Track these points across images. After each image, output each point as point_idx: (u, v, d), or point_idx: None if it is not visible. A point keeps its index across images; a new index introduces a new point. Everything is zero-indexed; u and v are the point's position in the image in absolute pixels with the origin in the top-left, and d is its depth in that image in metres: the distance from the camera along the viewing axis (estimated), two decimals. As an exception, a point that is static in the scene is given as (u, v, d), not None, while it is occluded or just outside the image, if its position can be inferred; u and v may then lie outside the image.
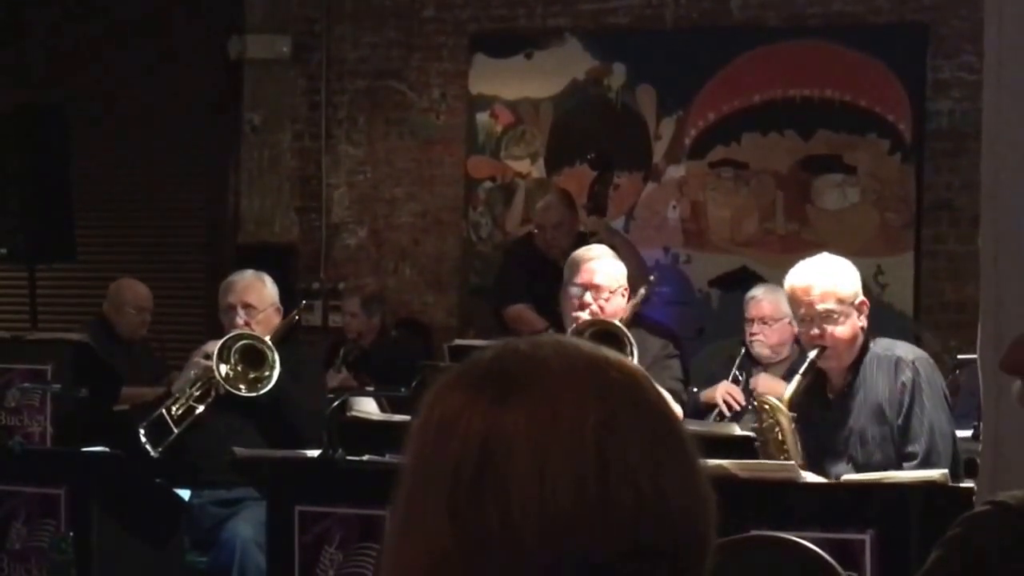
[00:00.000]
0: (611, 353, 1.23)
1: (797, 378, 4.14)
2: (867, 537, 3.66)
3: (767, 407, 4.11)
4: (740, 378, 5.59)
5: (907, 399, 4.04)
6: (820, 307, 4.08)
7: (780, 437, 4.03)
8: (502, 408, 1.16)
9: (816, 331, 4.09)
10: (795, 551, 3.17)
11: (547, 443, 1.15)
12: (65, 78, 8.44)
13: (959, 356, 4.56)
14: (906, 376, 4.07)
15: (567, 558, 1.14)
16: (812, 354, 4.12)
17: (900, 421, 4.05)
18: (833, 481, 3.92)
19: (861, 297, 4.18)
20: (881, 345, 4.20)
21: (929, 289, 7.15)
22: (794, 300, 4.19)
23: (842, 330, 4.08)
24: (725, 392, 5.45)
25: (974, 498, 3.53)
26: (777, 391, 5.41)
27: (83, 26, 8.63)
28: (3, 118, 7.70)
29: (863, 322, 4.16)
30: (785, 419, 4.04)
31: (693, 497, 1.19)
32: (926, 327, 6.96)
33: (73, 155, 7.77)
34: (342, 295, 7.58)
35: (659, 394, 1.23)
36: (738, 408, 5.40)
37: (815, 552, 3.14)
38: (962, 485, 3.66)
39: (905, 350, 4.20)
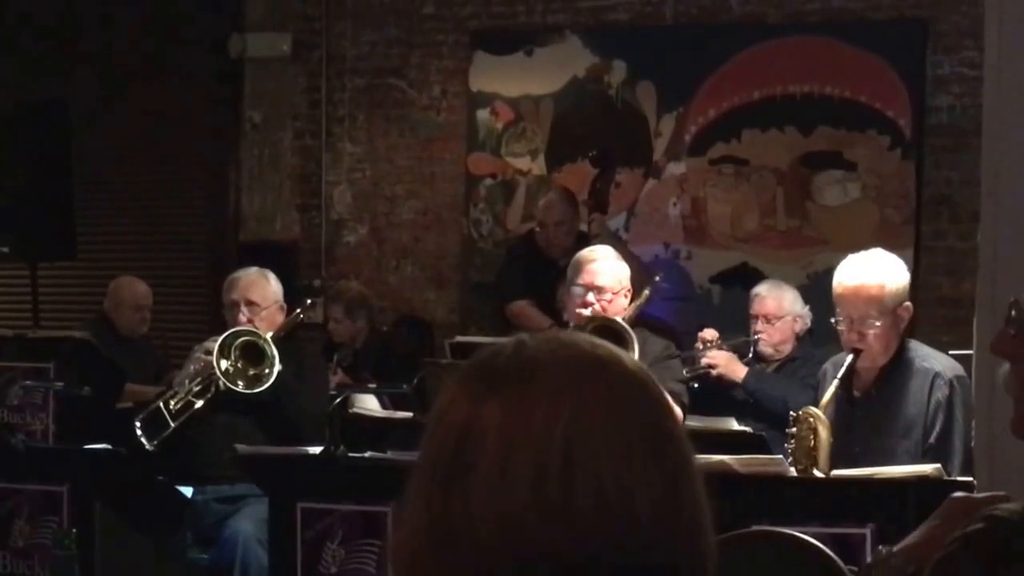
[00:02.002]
0: (616, 354, 1.21)
1: (835, 384, 4.01)
2: (867, 531, 3.66)
3: (810, 418, 4.00)
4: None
5: (942, 417, 3.94)
6: (862, 312, 4.00)
7: (812, 445, 3.95)
8: (482, 401, 1.16)
9: (854, 335, 4.01)
10: (796, 546, 3.18)
11: (515, 438, 1.13)
12: (66, 76, 8.45)
13: (952, 352, 4.53)
14: (942, 394, 3.96)
15: (520, 560, 1.11)
16: (849, 359, 4.02)
17: (933, 440, 3.95)
18: (831, 476, 3.91)
19: (906, 302, 4.07)
20: (917, 352, 4.10)
21: (927, 284, 7.16)
22: (839, 299, 4.08)
23: (881, 335, 3.99)
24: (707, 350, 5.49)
25: (973, 492, 3.54)
26: (735, 372, 5.43)
27: (84, 24, 8.64)
28: (4, 116, 7.71)
29: (902, 326, 4.06)
30: (825, 430, 3.93)
31: (672, 513, 1.15)
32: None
33: (74, 153, 7.78)
34: (317, 291, 7.50)
35: (659, 401, 1.21)
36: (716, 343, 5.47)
37: (816, 546, 3.15)
38: (960, 479, 3.66)
39: (944, 364, 4.07)
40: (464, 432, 1.16)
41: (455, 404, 1.19)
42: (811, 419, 3.93)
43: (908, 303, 4.11)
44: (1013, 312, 2.17)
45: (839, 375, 4.05)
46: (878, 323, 3.99)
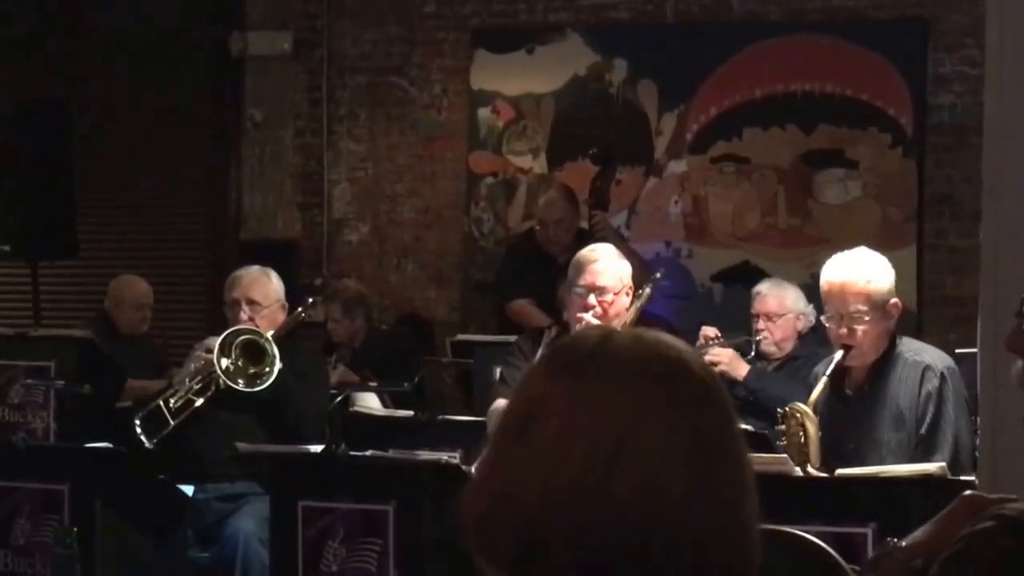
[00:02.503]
0: (687, 359, 1.27)
1: (823, 380, 4.05)
2: (869, 530, 3.66)
3: (797, 414, 4.03)
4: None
5: (932, 409, 3.95)
6: (851, 307, 4.01)
7: (803, 441, 3.97)
8: (557, 380, 1.25)
9: (844, 331, 4.02)
10: (799, 545, 3.17)
11: (572, 422, 1.21)
12: (67, 75, 8.45)
13: (957, 351, 4.53)
14: (932, 385, 3.97)
15: (558, 533, 1.19)
16: (838, 356, 4.04)
17: (924, 431, 3.97)
18: (833, 475, 3.91)
19: (894, 299, 4.09)
20: (908, 347, 4.11)
21: (930, 283, 7.15)
22: (826, 296, 4.11)
23: (870, 331, 4.01)
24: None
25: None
26: (737, 370, 5.42)
27: (85, 23, 8.64)
28: (5, 115, 7.71)
29: (892, 323, 4.07)
30: (812, 426, 3.96)
31: (718, 518, 1.21)
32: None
33: (75, 152, 7.78)
34: (319, 290, 7.48)
35: (721, 409, 1.27)
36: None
37: (818, 545, 3.14)
38: (962, 478, 3.66)
39: (934, 357, 4.09)
40: (533, 405, 1.25)
41: (535, 377, 1.28)
42: (799, 415, 3.96)
43: (896, 299, 4.13)
44: None
45: (827, 371, 4.07)
46: (867, 318, 4.01)
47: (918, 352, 4.09)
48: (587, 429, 1.21)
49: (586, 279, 4.57)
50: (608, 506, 1.19)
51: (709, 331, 5.72)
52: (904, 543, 1.93)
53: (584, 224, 6.78)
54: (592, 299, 4.53)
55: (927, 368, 4.02)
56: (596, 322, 4.46)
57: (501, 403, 4.56)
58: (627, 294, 4.63)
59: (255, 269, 5.27)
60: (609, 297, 4.55)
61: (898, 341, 4.12)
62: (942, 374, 4.00)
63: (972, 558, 1.63)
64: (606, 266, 4.60)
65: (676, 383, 1.25)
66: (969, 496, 1.93)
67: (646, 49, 7.71)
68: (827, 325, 4.15)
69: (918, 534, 1.92)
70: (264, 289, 5.19)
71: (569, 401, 1.23)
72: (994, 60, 3.21)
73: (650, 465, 1.20)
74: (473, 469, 1.33)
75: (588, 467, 1.20)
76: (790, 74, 7.45)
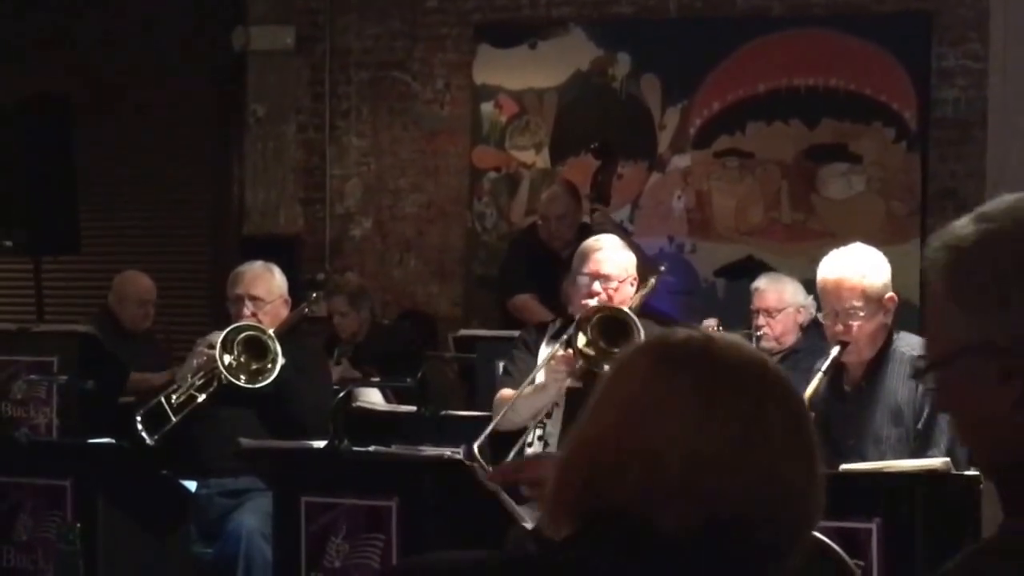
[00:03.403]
0: (776, 365, 1.50)
1: (819, 376, 4.03)
2: (874, 526, 3.66)
3: None
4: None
5: (929, 403, 3.92)
6: (846, 303, 4.01)
7: None
8: (669, 375, 1.45)
9: (840, 327, 4.02)
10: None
11: (708, 404, 1.42)
12: (69, 70, 8.44)
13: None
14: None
15: (703, 499, 1.39)
16: (835, 352, 4.04)
17: (920, 426, 3.96)
18: (837, 470, 3.90)
19: (890, 293, 4.09)
20: (906, 342, 4.10)
21: (934, 278, 7.15)
22: (822, 292, 4.11)
23: (866, 326, 4.00)
24: None
25: (981, 486, 3.53)
26: None
27: (87, 18, 8.64)
28: (7, 110, 7.71)
29: (889, 319, 4.07)
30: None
31: (811, 488, 1.45)
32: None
33: (77, 146, 7.78)
34: (321, 285, 7.49)
35: (800, 397, 1.50)
36: None
37: (822, 541, 3.14)
38: (966, 473, 3.65)
39: None
40: (658, 388, 1.44)
41: (649, 365, 1.47)
42: None
43: (892, 294, 4.13)
44: None
45: (823, 367, 4.07)
46: (862, 313, 4.01)
47: (915, 347, 4.08)
48: (717, 418, 1.42)
49: (590, 267, 4.56)
50: (739, 483, 1.40)
51: (710, 322, 5.71)
52: None
53: (586, 219, 6.77)
54: (597, 286, 4.52)
55: None
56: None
57: (507, 392, 4.56)
58: (632, 284, 4.63)
59: (258, 264, 5.26)
60: (614, 284, 4.54)
61: (895, 336, 4.12)
62: None
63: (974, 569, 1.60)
64: (611, 255, 4.60)
65: (782, 386, 1.47)
66: None
67: (649, 43, 7.70)
68: (823, 321, 4.15)
69: None
70: (267, 285, 5.18)
71: (695, 394, 1.43)
72: (997, 54, 3.20)
73: (775, 448, 1.42)
74: (565, 444, 1.54)
75: (723, 448, 1.40)
76: (793, 68, 7.44)
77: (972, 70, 7.07)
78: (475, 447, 4.31)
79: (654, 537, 1.40)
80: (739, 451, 1.41)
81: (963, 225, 1.56)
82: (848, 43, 7.35)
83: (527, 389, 4.49)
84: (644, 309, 4.77)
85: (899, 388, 4.03)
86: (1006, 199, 1.57)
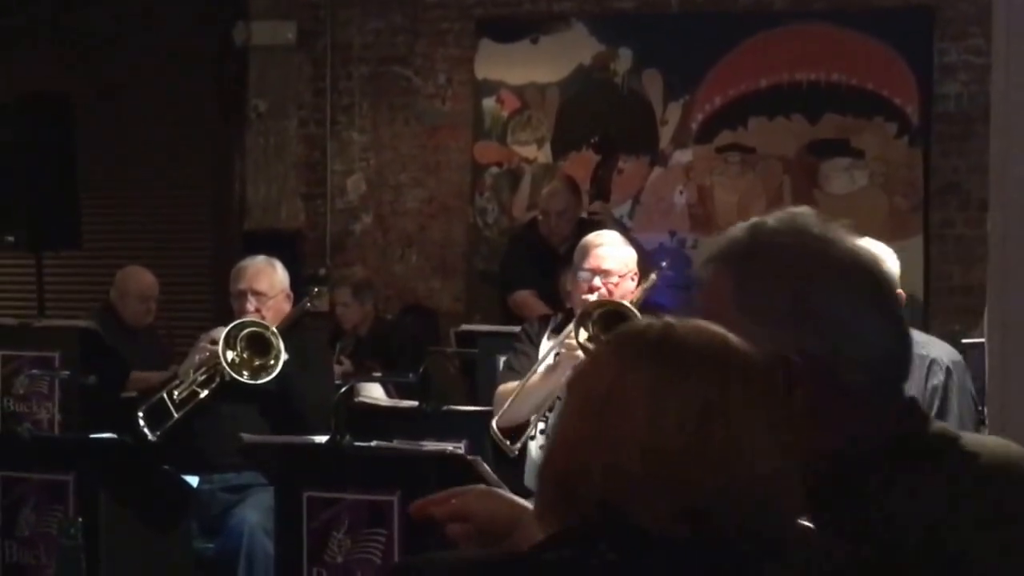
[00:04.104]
0: (743, 345, 1.46)
1: None
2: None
3: None
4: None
5: (937, 403, 3.89)
6: None
7: None
8: (635, 366, 1.43)
9: None
10: (803, 534, 3.16)
11: (659, 397, 1.40)
12: (70, 66, 8.44)
13: (963, 340, 4.49)
14: (938, 380, 3.91)
15: (660, 490, 1.37)
16: None
17: None
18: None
19: (898, 291, 4.05)
20: (915, 340, 4.06)
21: (937, 273, 7.14)
22: None
23: None
24: None
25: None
26: None
27: (88, 13, 8.63)
28: (8, 106, 7.70)
29: None
30: None
31: (785, 477, 1.41)
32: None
33: (78, 143, 7.77)
34: (323, 280, 7.52)
35: (776, 386, 1.47)
36: None
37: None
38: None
39: (940, 351, 4.02)
40: (618, 380, 1.42)
41: (609, 359, 1.46)
42: None
43: (899, 291, 4.09)
44: None
45: None
46: None
47: (923, 345, 4.06)
48: (674, 405, 1.40)
49: (591, 262, 4.56)
50: (701, 469, 1.37)
51: None
52: None
53: (585, 214, 6.77)
54: (597, 281, 4.51)
55: (933, 362, 3.96)
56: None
57: (510, 386, 4.56)
58: (632, 279, 4.62)
59: (260, 259, 5.26)
60: (615, 279, 4.53)
61: None
62: (948, 368, 3.96)
63: None
64: (611, 250, 4.60)
65: (744, 366, 1.43)
66: None
67: (651, 38, 7.70)
68: None
69: None
70: (269, 279, 5.18)
71: (652, 383, 1.41)
72: (1000, 49, 3.19)
73: (735, 435, 1.39)
74: (544, 441, 1.53)
75: (680, 435, 1.38)
76: (795, 63, 7.43)
77: (974, 65, 7.06)
78: (494, 423, 4.35)
79: (635, 533, 1.39)
80: (698, 437, 1.38)
81: (742, 238, 1.63)
82: (850, 38, 7.35)
83: (539, 369, 4.49)
84: (646, 304, 4.77)
85: (908, 387, 4.00)
86: (793, 215, 1.64)
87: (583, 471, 1.41)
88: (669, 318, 1.48)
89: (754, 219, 1.65)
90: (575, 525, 1.42)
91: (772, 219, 1.63)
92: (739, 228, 1.64)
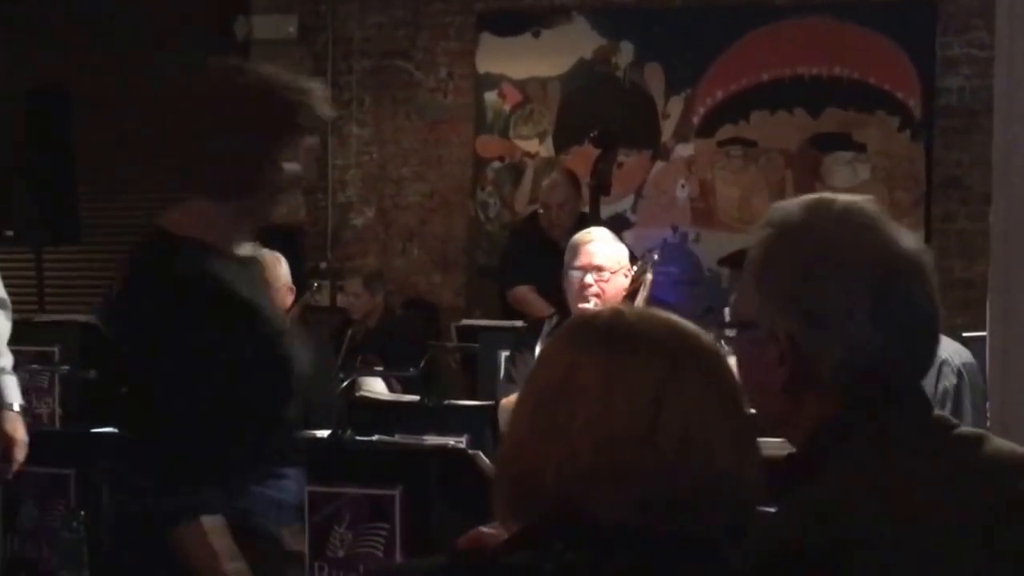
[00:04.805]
0: (696, 330, 1.47)
1: None
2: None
3: None
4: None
5: (949, 405, 3.79)
6: None
7: None
8: (586, 350, 1.42)
9: None
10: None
11: (611, 384, 1.39)
12: (69, 60, 8.43)
13: (965, 334, 4.46)
14: (949, 382, 3.82)
15: (615, 484, 1.36)
16: None
17: None
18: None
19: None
20: None
21: (939, 266, 7.12)
22: None
23: None
24: None
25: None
26: None
27: (87, 7, 8.62)
28: (7, 100, 7.69)
29: None
30: None
31: (738, 467, 1.39)
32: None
33: (77, 137, 7.76)
34: (323, 274, 7.54)
35: (730, 371, 1.46)
36: None
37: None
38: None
39: (951, 351, 3.90)
40: (570, 370, 1.41)
41: (558, 353, 1.45)
42: None
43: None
44: None
45: None
46: None
47: None
48: (626, 391, 1.38)
49: (582, 260, 4.54)
50: (656, 457, 1.36)
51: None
52: None
53: (585, 208, 6.76)
54: (589, 278, 4.50)
55: (944, 363, 3.85)
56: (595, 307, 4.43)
57: (512, 398, 4.54)
58: (625, 275, 4.61)
59: (263, 253, 5.25)
60: (606, 276, 4.52)
61: None
62: (959, 370, 3.86)
63: None
64: (602, 247, 4.58)
65: (698, 349, 1.43)
66: None
67: (653, 32, 7.69)
68: None
69: None
70: (272, 272, 5.17)
71: (603, 370, 1.40)
72: (1003, 42, 3.18)
73: (688, 419, 1.38)
74: (504, 440, 1.51)
75: (633, 422, 1.37)
76: (797, 57, 7.42)
77: (977, 58, 7.05)
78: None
79: (592, 528, 1.37)
80: (652, 424, 1.37)
81: (795, 211, 1.65)
82: (852, 31, 7.34)
83: None
84: (650, 302, 4.75)
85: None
86: (851, 205, 1.66)
87: (539, 468, 1.39)
88: (616, 306, 1.50)
89: (823, 195, 1.66)
90: (534, 525, 1.40)
91: (834, 203, 1.64)
92: (805, 199, 1.66)
